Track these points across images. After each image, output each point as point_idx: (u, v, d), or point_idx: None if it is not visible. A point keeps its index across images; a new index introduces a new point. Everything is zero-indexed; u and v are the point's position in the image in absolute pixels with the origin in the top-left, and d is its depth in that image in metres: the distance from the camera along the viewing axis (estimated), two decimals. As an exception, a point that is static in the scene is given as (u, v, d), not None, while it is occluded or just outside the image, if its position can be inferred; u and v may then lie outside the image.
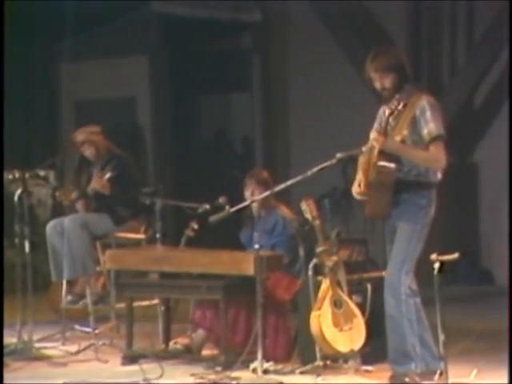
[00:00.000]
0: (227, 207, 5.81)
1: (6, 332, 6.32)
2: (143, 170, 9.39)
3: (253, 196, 5.94)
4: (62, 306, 6.71)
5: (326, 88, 9.27)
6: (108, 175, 6.87)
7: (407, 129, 5.08)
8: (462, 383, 5.02)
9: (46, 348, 6.20)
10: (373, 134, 5.13)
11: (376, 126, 5.21)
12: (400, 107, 5.10)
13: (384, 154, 5.07)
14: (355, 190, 5.16)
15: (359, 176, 5.13)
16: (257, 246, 5.46)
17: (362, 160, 5.14)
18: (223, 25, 9.97)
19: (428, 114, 5.06)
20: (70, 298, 6.80)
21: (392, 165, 5.06)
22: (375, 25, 8.76)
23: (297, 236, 5.97)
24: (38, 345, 6.20)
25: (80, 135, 7.14)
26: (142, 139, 10.40)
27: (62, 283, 6.80)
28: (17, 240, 6.20)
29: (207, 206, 6.08)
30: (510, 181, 6.77)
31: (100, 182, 6.88)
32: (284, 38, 9.76)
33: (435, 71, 8.75)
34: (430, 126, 5.06)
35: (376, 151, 5.08)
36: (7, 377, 5.54)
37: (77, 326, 6.59)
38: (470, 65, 8.79)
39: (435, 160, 5.10)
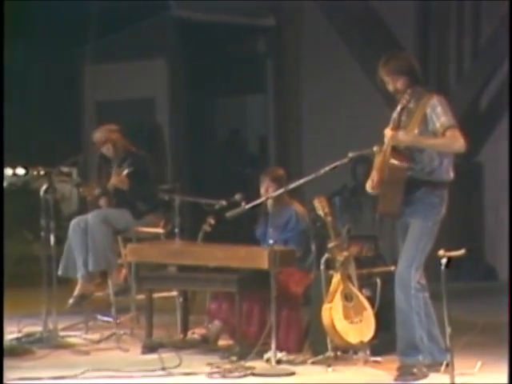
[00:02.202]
0: (243, 204, 5.81)
1: (32, 321, 6.37)
2: (161, 168, 9.42)
3: (267, 192, 5.94)
4: (69, 303, 6.72)
5: (337, 90, 9.26)
6: (126, 171, 6.89)
7: (419, 127, 5.07)
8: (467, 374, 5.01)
9: (69, 337, 6.23)
10: (386, 131, 5.13)
11: (391, 125, 5.19)
12: (411, 104, 5.11)
13: (397, 153, 5.06)
14: (368, 185, 5.15)
15: (373, 174, 5.12)
16: (271, 242, 5.47)
17: (377, 159, 5.14)
18: (239, 29, 9.97)
19: (438, 109, 5.06)
20: (71, 300, 6.81)
21: (404, 163, 5.05)
22: (385, 31, 8.74)
23: (308, 231, 5.97)
24: (62, 334, 6.23)
25: (98, 134, 7.15)
26: (161, 138, 10.41)
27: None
28: (42, 234, 6.21)
29: (224, 203, 6.08)
30: (510, 180, 6.73)
31: (118, 178, 6.90)
32: (297, 42, 9.74)
33: (442, 76, 8.73)
34: (442, 120, 5.05)
35: (389, 149, 5.08)
36: (33, 364, 5.58)
37: (99, 316, 6.60)
38: (476, 70, 8.77)
39: (453, 142, 5.04)
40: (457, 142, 5.05)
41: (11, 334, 6.30)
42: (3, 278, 4.91)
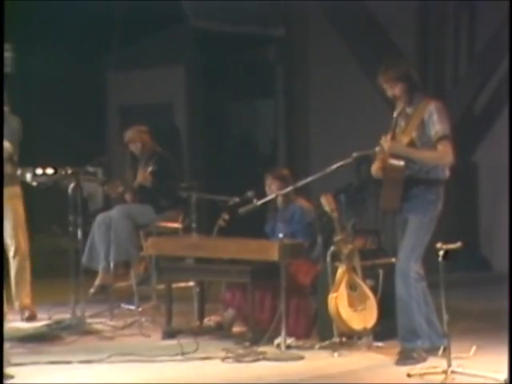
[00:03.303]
0: (255, 200, 5.82)
1: (61, 309, 6.40)
2: (180, 167, 9.44)
3: (270, 190, 5.96)
4: (90, 292, 6.73)
5: (342, 95, 9.24)
6: (150, 169, 6.94)
7: (416, 131, 5.08)
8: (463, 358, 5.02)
9: (95, 323, 6.23)
10: (383, 139, 5.13)
11: (390, 130, 5.21)
12: (409, 110, 5.11)
13: (394, 155, 5.08)
14: (373, 170, 5.15)
15: (377, 162, 5.12)
16: (281, 235, 5.48)
17: (378, 158, 5.13)
18: (251, 39, 9.95)
19: (435, 117, 5.05)
20: (92, 290, 6.84)
21: (401, 162, 5.06)
22: (386, 39, 8.72)
23: (314, 224, 5.97)
24: (89, 321, 6.23)
25: (130, 132, 7.25)
26: (178, 140, 10.42)
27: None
28: (70, 229, 6.23)
29: (237, 199, 6.09)
30: (510, 180, 6.69)
31: (143, 174, 6.96)
32: (305, 51, 9.73)
33: (440, 81, 8.69)
34: (437, 128, 5.05)
35: (385, 153, 5.10)
36: (62, 349, 5.61)
37: (123, 305, 6.62)
38: (471, 75, 8.72)
39: (443, 157, 5.07)
40: (446, 157, 5.06)
41: (42, 320, 6.34)
42: (3, 278, 4.91)
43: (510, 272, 5.53)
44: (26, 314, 6.42)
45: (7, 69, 7.04)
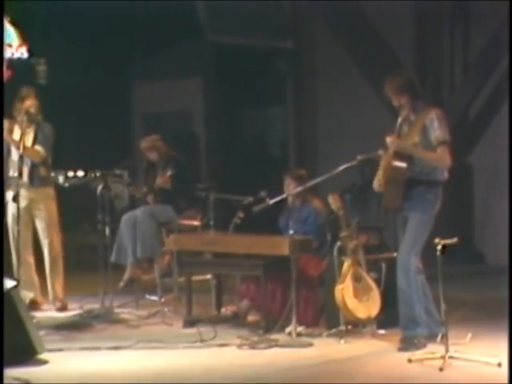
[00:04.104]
0: (267, 199, 5.82)
1: (91, 300, 6.41)
2: (198, 169, 9.44)
3: (288, 189, 5.94)
4: (120, 285, 6.73)
5: (347, 102, 9.21)
6: (169, 173, 6.94)
7: (418, 136, 5.08)
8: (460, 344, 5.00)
9: (123, 313, 6.23)
10: (389, 139, 5.13)
11: (394, 134, 5.19)
12: (412, 117, 5.11)
13: (398, 156, 5.07)
14: (375, 184, 5.15)
15: (379, 174, 5.12)
16: (291, 232, 5.48)
17: (382, 162, 5.14)
18: (262, 51, 9.94)
19: (436, 123, 5.07)
20: (121, 283, 6.85)
21: (404, 164, 5.05)
22: (388, 51, 8.70)
23: (326, 225, 5.96)
24: (116, 310, 6.24)
25: (144, 143, 7.26)
26: (197, 145, 10.43)
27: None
28: (99, 226, 6.24)
29: (251, 199, 6.07)
30: (510, 180, 6.62)
31: (162, 179, 6.96)
32: (312, 62, 9.71)
33: (437, 90, 8.67)
34: (437, 133, 5.06)
35: (391, 153, 5.08)
36: (92, 337, 5.62)
37: (147, 296, 6.62)
38: (466, 84, 8.70)
39: (441, 160, 5.08)
40: (444, 160, 5.08)
41: (74, 310, 6.37)
42: (3, 274, 4.89)
43: (510, 267, 5.48)
44: (58, 304, 6.45)
45: (41, 81, 7.07)
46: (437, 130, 5.06)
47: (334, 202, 5.54)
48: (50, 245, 6.43)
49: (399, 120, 5.15)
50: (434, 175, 5.13)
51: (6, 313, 4.76)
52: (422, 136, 5.08)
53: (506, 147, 8.04)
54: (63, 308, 6.42)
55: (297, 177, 6.04)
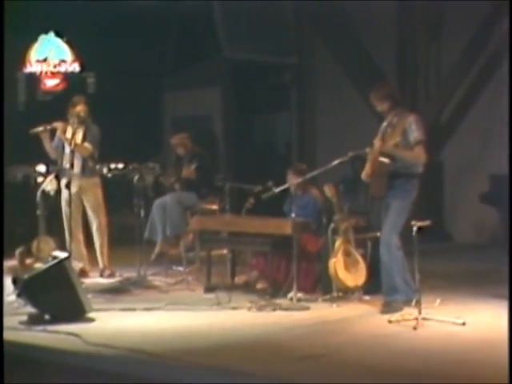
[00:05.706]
0: (274, 188, 5.83)
1: (129, 269, 6.43)
2: (217, 163, 9.47)
3: (292, 181, 5.96)
4: (151, 258, 6.73)
5: (342, 109, 9.20)
6: (193, 166, 6.97)
7: (400, 136, 5.10)
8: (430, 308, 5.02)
9: (154, 281, 6.25)
10: (375, 140, 5.14)
11: (379, 135, 5.22)
12: (394, 121, 5.13)
13: (383, 154, 5.09)
14: (363, 175, 5.16)
15: (367, 167, 5.13)
16: (294, 215, 5.50)
17: (369, 157, 5.15)
18: (271, 66, 9.92)
19: (413, 126, 5.09)
20: (153, 256, 6.87)
21: (388, 160, 5.07)
22: (373, 65, 8.69)
23: (322, 210, 5.97)
24: (150, 278, 6.26)
25: (175, 139, 7.30)
26: (216, 143, 10.43)
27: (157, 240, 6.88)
28: (135, 210, 6.26)
29: (260, 188, 6.07)
30: (510, 180, 6.49)
31: (188, 171, 6.99)
32: (312, 75, 9.70)
33: (414, 98, 8.65)
34: (415, 135, 5.09)
35: (377, 151, 5.10)
36: (130, 299, 5.63)
37: (174, 267, 6.64)
38: (439, 94, 8.67)
39: (419, 156, 5.11)
40: (421, 157, 5.11)
41: (115, 278, 6.40)
42: (3, 274, 4.90)
43: (510, 261, 5.42)
44: (108, 272, 6.50)
45: (91, 91, 7.13)
46: (414, 132, 5.08)
47: (329, 191, 5.55)
48: (99, 224, 6.48)
49: (384, 124, 5.17)
50: (412, 169, 5.15)
51: (60, 279, 4.84)
52: (402, 137, 5.10)
53: (471, 146, 8.08)
54: (111, 275, 6.47)
55: (298, 170, 6.05)
